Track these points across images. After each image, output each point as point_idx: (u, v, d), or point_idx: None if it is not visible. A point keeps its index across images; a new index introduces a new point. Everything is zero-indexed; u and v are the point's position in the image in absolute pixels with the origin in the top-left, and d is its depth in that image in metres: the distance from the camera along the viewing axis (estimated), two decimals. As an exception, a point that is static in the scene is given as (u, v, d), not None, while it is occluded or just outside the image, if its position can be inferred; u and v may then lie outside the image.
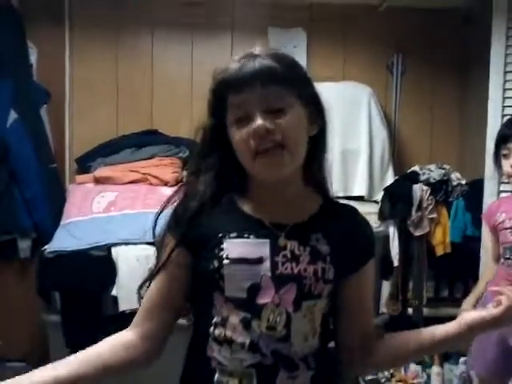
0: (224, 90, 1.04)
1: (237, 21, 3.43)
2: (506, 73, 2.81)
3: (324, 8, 3.42)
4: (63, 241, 2.70)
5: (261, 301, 1.04)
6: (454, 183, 3.02)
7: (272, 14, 3.42)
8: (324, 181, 1.17)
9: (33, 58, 3.14)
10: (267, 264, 1.04)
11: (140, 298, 1.15)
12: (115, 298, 2.54)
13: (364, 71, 3.47)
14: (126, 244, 2.66)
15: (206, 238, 1.07)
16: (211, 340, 1.06)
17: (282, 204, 1.10)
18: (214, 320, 1.06)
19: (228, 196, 1.11)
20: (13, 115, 2.92)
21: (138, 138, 3.30)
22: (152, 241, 2.84)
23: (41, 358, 2.67)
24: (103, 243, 2.66)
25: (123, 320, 2.38)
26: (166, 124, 3.36)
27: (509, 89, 2.83)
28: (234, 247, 1.05)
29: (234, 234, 1.06)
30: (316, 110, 1.09)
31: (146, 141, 3.28)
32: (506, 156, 2.20)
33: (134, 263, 2.58)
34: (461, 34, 3.48)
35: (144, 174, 3.08)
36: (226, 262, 1.04)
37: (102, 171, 3.11)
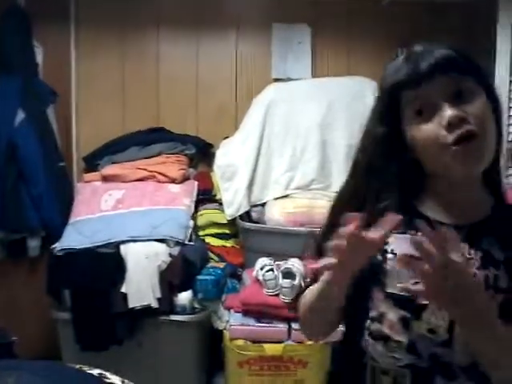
0: (398, 90, 1.01)
1: (241, 17, 3.43)
2: (512, 65, 2.83)
3: (328, 3, 3.41)
4: (72, 239, 2.73)
5: (422, 301, 0.97)
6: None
7: (276, 9, 3.42)
8: (500, 182, 1.11)
9: (39, 58, 3.16)
10: None
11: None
12: (125, 295, 2.54)
13: (369, 66, 3.45)
14: (135, 241, 2.68)
15: None
16: (367, 334, 1.03)
17: (459, 204, 1.04)
18: (371, 314, 1.02)
19: (405, 198, 1.05)
20: (20, 115, 2.94)
21: (144, 136, 3.32)
22: (161, 238, 2.82)
23: (51, 356, 2.70)
24: (112, 241, 2.68)
25: (133, 317, 2.41)
26: (172, 121, 3.37)
27: (514, 81, 2.85)
28: (400, 243, 0.98)
29: (400, 230, 0.97)
30: (493, 102, 1.03)
31: (152, 138, 3.29)
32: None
33: (142, 260, 2.60)
34: (464, 28, 3.47)
35: (151, 171, 3.10)
36: (390, 256, 0.99)
37: (109, 169, 3.13)
